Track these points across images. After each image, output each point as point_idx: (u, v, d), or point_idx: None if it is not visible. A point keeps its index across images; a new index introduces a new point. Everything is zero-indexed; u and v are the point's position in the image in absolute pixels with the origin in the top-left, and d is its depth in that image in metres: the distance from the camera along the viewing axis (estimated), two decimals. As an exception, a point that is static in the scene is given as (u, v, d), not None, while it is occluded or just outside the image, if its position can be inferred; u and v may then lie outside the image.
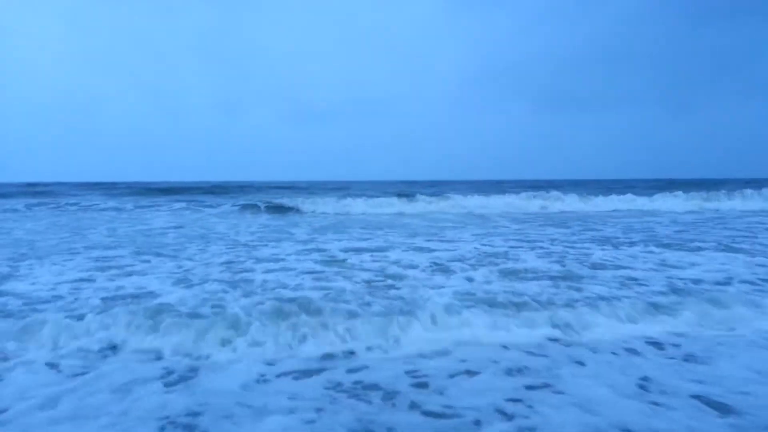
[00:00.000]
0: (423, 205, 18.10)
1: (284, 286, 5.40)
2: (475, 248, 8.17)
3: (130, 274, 6.15)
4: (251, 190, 34.89)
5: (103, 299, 4.92)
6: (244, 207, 18.14)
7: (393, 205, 17.76)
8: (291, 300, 4.68)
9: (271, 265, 6.67)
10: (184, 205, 20.11)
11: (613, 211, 17.42)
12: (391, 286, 5.41)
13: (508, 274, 6.05)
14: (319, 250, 8.02)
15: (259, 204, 18.41)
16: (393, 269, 6.36)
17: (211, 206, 19.35)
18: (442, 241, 9.33)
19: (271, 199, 20.27)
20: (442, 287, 5.35)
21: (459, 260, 6.98)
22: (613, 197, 19.51)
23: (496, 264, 6.66)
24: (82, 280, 5.85)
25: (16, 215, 16.77)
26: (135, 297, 5.02)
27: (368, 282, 5.64)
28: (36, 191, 32.25)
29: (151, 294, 5.14)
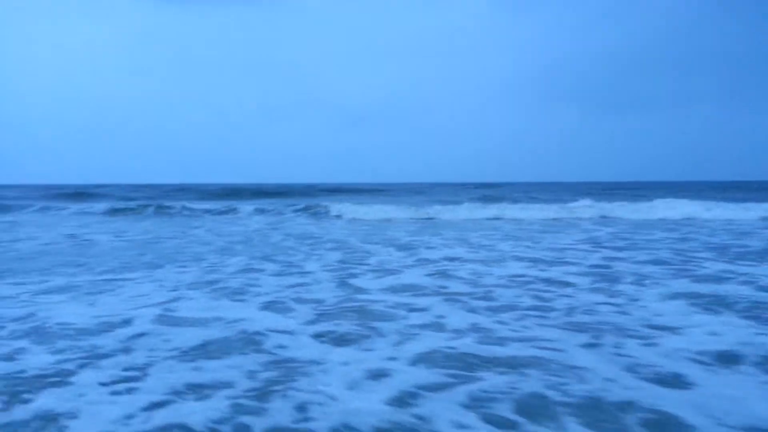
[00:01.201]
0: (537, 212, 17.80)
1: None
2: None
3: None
4: (301, 193, 35.82)
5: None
6: (313, 211, 18.69)
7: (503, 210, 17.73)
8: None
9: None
10: (253, 209, 20.84)
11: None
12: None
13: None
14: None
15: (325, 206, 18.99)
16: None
17: (277, 210, 20.12)
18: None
19: (321, 203, 20.86)
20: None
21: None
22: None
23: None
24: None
25: (135, 219, 17.77)
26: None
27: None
28: (91, 193, 33.79)
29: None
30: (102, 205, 20.87)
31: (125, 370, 3.44)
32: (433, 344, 3.87)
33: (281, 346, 3.90)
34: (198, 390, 3.11)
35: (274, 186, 49.15)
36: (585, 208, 18.19)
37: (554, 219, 16.54)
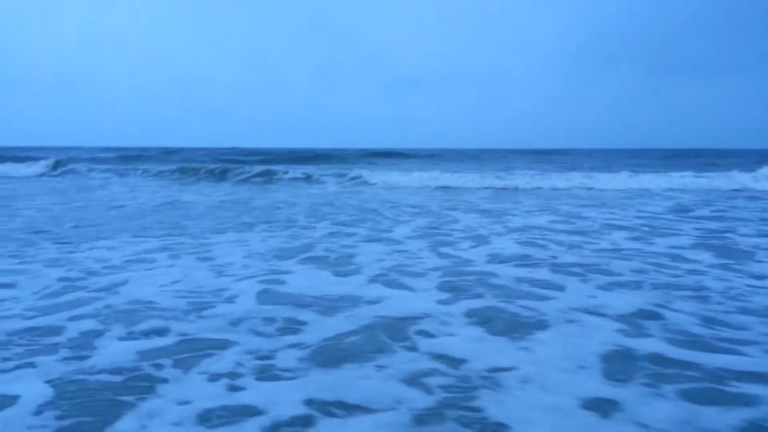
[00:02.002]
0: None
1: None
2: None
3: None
4: (353, 158, 35.80)
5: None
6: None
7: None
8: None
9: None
10: (330, 174, 20.87)
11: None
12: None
13: None
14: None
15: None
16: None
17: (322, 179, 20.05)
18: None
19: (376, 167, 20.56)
20: None
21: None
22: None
23: None
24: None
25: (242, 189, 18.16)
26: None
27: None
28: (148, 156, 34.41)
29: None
30: (170, 167, 21.37)
31: (259, 377, 2.80)
32: (615, 340, 3.30)
33: (431, 336, 3.36)
34: (360, 411, 2.46)
35: (332, 150, 49.33)
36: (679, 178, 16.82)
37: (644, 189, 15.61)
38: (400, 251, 6.08)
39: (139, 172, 20.23)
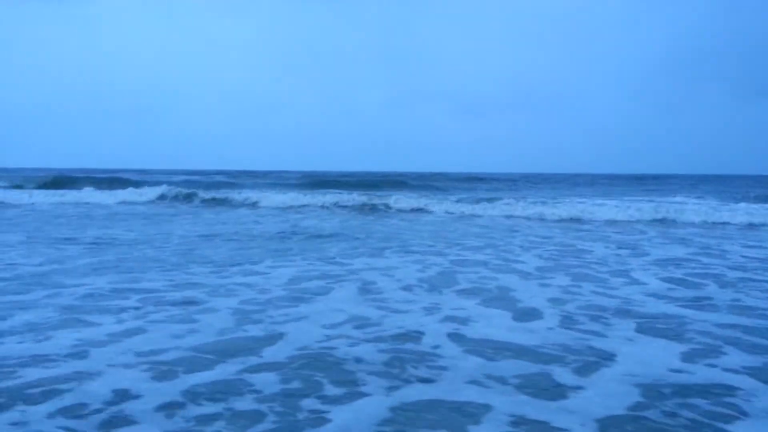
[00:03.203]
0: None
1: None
2: None
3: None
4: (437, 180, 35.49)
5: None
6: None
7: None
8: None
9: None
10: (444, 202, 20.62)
11: None
12: None
13: None
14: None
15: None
16: None
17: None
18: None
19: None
20: None
21: None
22: None
23: None
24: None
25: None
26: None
27: None
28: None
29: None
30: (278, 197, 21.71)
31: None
32: None
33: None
34: None
35: (413, 175, 49.41)
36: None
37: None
38: (545, 284, 5.84)
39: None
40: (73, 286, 5.55)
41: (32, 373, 3.23)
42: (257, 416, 2.74)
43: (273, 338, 3.98)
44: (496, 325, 4.37)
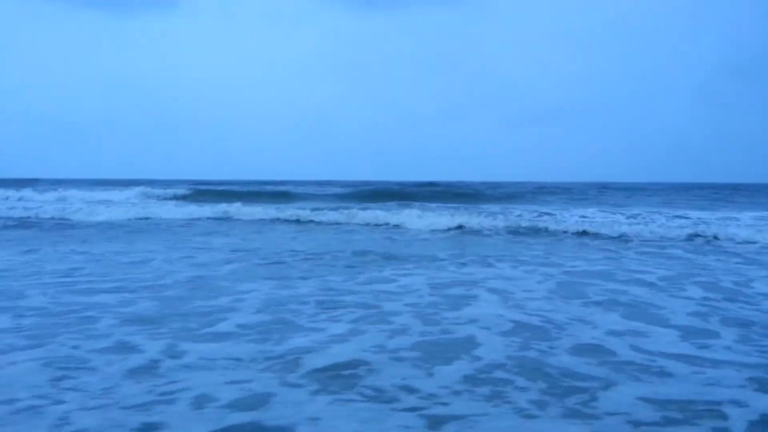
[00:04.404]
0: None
1: None
2: None
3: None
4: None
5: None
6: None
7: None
8: None
9: None
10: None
11: None
12: None
13: None
14: None
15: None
16: None
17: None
18: None
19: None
20: None
21: None
22: None
23: None
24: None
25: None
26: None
27: None
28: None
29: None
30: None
31: None
32: None
33: None
34: None
35: (450, 182, 47.97)
36: None
37: None
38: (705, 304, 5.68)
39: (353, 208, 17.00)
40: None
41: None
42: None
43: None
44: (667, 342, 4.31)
